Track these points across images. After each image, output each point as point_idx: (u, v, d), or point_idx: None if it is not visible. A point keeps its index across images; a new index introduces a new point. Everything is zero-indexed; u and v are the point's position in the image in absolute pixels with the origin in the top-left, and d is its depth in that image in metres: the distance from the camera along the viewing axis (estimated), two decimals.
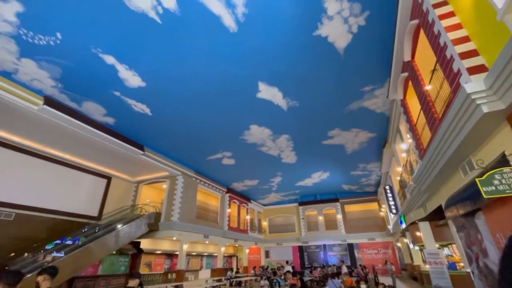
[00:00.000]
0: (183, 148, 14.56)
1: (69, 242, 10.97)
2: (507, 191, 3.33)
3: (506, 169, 3.42)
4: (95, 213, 14.17)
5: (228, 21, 7.33)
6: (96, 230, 12.40)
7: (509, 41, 3.02)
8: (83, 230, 12.33)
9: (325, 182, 22.02)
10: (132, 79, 9.11)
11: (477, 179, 3.54)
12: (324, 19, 7.35)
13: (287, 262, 20.55)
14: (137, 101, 10.26)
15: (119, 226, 12.95)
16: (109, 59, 8.23)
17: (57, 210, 12.31)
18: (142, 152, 13.03)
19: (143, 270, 15.75)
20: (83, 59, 8.12)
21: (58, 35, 7.34)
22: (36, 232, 11.32)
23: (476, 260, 6.11)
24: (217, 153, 15.44)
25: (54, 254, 10.01)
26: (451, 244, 12.93)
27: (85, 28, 7.18)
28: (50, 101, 9.29)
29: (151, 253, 16.67)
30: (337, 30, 7.67)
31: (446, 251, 14.38)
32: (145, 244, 15.80)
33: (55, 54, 7.89)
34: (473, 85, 3.80)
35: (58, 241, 11.02)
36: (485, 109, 3.69)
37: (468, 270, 6.71)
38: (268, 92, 10.20)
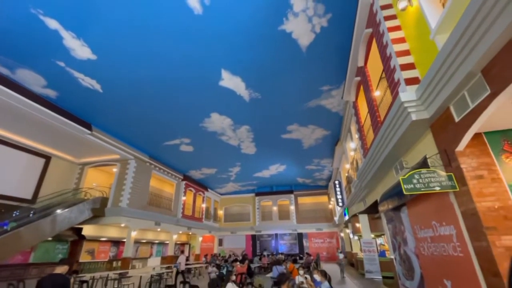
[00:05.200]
0: (138, 131, 13.70)
1: None
2: (422, 189, 3.88)
3: (423, 170, 3.97)
4: (28, 195, 12.63)
5: (193, 2, 7.01)
6: (30, 214, 11.11)
7: (436, 59, 3.45)
8: (14, 214, 10.94)
9: (281, 174, 22.88)
10: (80, 49, 8.21)
11: (400, 177, 4.04)
12: (290, 15, 7.48)
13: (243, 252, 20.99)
14: (85, 75, 9.30)
15: (57, 210, 11.79)
16: (52, 23, 7.26)
17: None
18: (89, 132, 11.91)
19: (84, 257, 14.71)
20: (18, 19, 7.03)
21: None
22: None
23: (398, 248, 7.04)
24: (175, 139, 14.90)
25: None
26: (383, 234, 14.60)
27: None
28: None
29: (94, 240, 15.60)
30: (301, 28, 7.88)
31: (380, 240, 16.22)
32: (88, 230, 14.69)
33: None
34: (407, 94, 4.27)
35: None
36: (413, 116, 4.19)
37: (392, 256, 7.69)
38: (231, 81, 10.09)
